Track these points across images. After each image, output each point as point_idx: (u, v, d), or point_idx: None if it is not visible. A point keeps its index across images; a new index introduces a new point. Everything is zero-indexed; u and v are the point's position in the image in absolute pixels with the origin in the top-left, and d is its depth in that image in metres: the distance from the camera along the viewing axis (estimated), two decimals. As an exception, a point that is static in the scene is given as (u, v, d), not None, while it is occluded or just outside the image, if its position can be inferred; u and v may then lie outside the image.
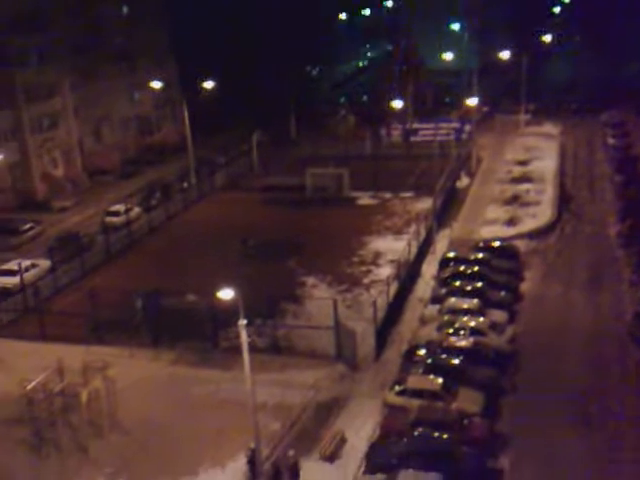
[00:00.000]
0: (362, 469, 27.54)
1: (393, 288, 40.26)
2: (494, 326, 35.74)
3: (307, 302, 40.95)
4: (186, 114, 66.44)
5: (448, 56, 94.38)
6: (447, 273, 42.14)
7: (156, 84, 75.40)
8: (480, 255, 44.01)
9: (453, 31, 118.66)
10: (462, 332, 34.82)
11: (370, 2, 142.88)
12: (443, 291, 39.94)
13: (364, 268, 46.68)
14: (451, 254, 45.08)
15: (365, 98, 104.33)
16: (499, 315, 37.26)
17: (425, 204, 55.38)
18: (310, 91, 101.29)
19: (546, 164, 68.63)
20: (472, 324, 35.28)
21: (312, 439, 29.23)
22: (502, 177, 65.77)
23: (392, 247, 49.15)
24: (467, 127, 78.35)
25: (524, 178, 64.79)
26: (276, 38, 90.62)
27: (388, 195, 61.63)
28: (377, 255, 48.69)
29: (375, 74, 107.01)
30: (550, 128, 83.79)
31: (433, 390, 30.09)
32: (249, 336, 24.73)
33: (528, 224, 53.01)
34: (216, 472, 27.73)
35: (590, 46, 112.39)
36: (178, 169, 70.62)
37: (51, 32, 67.21)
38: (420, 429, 27.79)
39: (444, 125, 79.65)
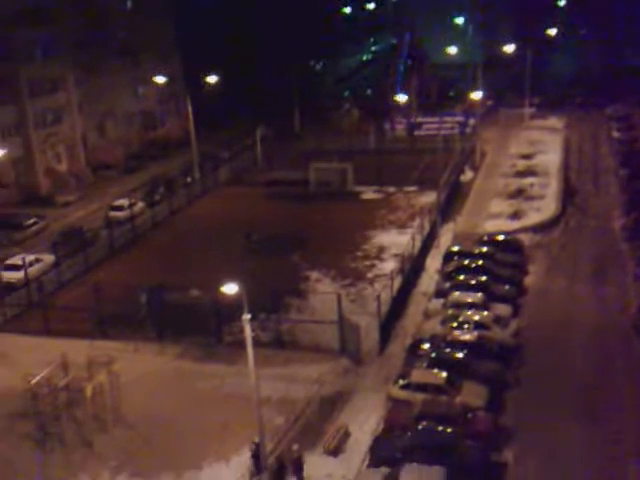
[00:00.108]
0: (366, 463, 27.56)
1: (397, 282, 40.24)
2: (498, 320, 35.69)
3: (311, 296, 40.92)
4: (190, 109, 66.38)
5: (452, 50, 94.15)
6: (451, 267, 42.11)
7: (160, 79, 75.36)
8: (484, 249, 43.93)
9: (457, 25, 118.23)
10: (466, 326, 34.78)
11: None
12: (447, 285, 39.89)
13: (368, 262, 46.65)
14: (455, 248, 45.01)
15: (369, 92, 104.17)
16: (503, 309, 37.21)
17: (429, 198, 55.28)
18: (314, 85, 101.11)
19: (550, 158, 68.46)
20: (476, 318, 35.23)
21: (316, 433, 29.25)
22: (506, 171, 65.63)
23: (396, 241, 49.10)
24: (471, 121, 78.18)
25: (528, 172, 64.66)
26: (280, 32, 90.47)
27: (392, 189, 61.54)
28: (381, 249, 48.64)
29: (379, 68, 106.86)
30: (555, 122, 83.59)
31: (437, 384, 30.07)
32: (253, 330, 24.74)
33: (532, 218, 52.91)
34: (220, 466, 27.78)
35: (595, 39, 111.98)
36: (182, 164, 70.60)
37: (55, 26, 67.15)
38: (424, 423, 27.79)
39: (448, 119, 79.67)
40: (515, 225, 51.56)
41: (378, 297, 36.32)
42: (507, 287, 40.02)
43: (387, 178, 61.75)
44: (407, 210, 56.44)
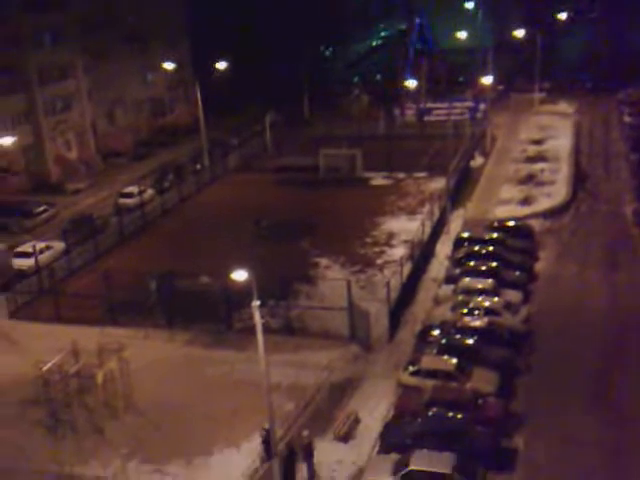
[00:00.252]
0: (376, 449, 27.58)
1: (407, 268, 40.13)
2: (509, 306, 35.58)
3: (320, 283, 40.91)
4: (199, 95, 66.18)
5: (462, 34, 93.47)
6: (461, 253, 41.97)
7: (169, 65, 75.18)
8: (494, 235, 43.76)
9: (467, 9, 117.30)
10: (476, 312, 34.69)
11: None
12: (457, 271, 39.77)
13: (377, 249, 46.56)
14: (465, 234, 44.84)
15: (379, 77, 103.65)
16: (514, 295, 37.09)
17: (439, 184, 55.05)
18: (323, 71, 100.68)
19: (561, 143, 68.06)
20: (486, 304, 35.15)
21: (326, 419, 29.29)
22: (517, 156, 65.29)
23: (406, 227, 48.97)
24: (481, 106, 77.70)
25: (539, 157, 64.31)
26: (289, 18, 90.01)
27: (402, 175, 61.33)
28: (390, 236, 48.53)
29: (389, 53, 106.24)
30: (565, 106, 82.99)
31: (447, 370, 30.04)
32: (263, 317, 24.70)
33: (543, 203, 52.65)
34: (231, 452, 27.87)
35: (606, 23, 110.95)
36: (191, 151, 70.55)
37: (64, 12, 67.02)
38: (434, 409, 27.78)
39: (458, 104, 79.16)
40: (525, 211, 51.33)
41: (388, 283, 36.24)
42: (517, 273, 39.88)
43: (397, 164, 61.51)
44: (417, 196, 56.25)
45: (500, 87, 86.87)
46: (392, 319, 35.64)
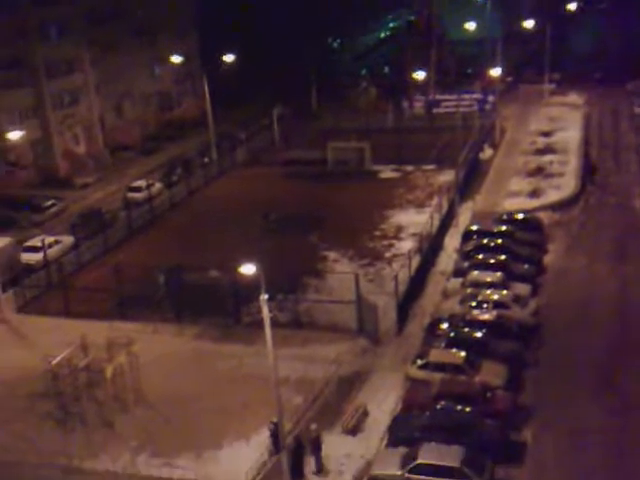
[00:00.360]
0: (384, 442, 27.58)
1: (415, 262, 40.08)
2: (517, 299, 35.49)
3: (329, 276, 40.91)
4: (206, 88, 66.11)
5: (471, 26, 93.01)
6: (470, 246, 41.86)
7: (176, 58, 75.10)
8: (503, 228, 43.62)
9: (476, 0, 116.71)
10: (485, 305, 34.65)
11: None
12: (466, 264, 39.67)
13: (386, 242, 46.49)
14: (474, 227, 44.70)
15: (387, 70, 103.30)
16: (522, 288, 36.98)
17: (448, 176, 54.90)
18: (331, 63, 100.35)
19: (570, 135, 67.72)
20: (495, 297, 35.08)
21: (334, 413, 29.31)
22: (526, 148, 65.02)
23: (414, 220, 48.87)
24: (490, 98, 77.31)
25: (548, 149, 64.02)
26: (297, 10, 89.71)
27: (410, 168, 61.17)
28: (399, 229, 48.44)
29: (397, 45, 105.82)
30: (575, 98, 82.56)
31: (456, 363, 29.99)
32: (271, 311, 24.68)
33: (552, 196, 52.43)
34: (240, 445, 27.94)
35: (615, 14, 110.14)
36: (199, 144, 70.51)
37: (71, 5, 66.99)
38: (443, 402, 27.76)
39: (467, 96, 78.77)
40: (534, 203, 51.14)
41: (396, 277, 36.22)
42: (526, 266, 39.75)
43: (405, 157, 61.34)
44: (425, 189, 56.11)
45: (509, 78, 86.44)
46: (400, 312, 35.61)
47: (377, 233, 48.00)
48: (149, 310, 37.96)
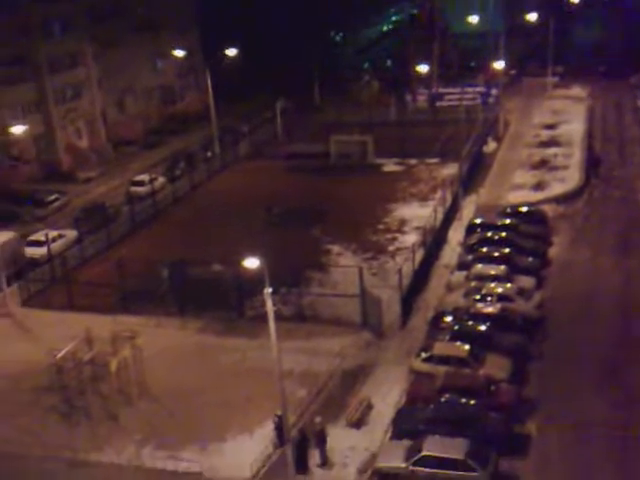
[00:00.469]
0: (389, 435, 27.59)
1: (419, 255, 40.05)
2: (521, 292, 35.44)
3: (332, 270, 40.84)
4: (209, 82, 66.03)
5: (474, 19, 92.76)
6: (474, 239, 41.80)
7: (179, 52, 75.01)
8: (507, 221, 43.57)
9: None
10: (489, 298, 34.59)
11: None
12: (470, 257, 39.63)
13: (389, 235, 46.44)
14: (478, 220, 44.64)
15: (389, 63, 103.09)
16: (527, 281, 36.92)
17: (451, 170, 54.81)
18: (334, 57, 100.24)
19: (574, 127, 67.58)
20: (499, 290, 35.03)
21: (339, 406, 29.33)
22: (530, 141, 64.90)
23: (418, 214, 48.80)
24: (494, 91, 77.06)
25: (552, 142, 63.91)
26: (299, 4, 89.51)
27: (414, 161, 61.08)
28: (402, 222, 48.38)
29: (400, 38, 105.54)
30: (578, 91, 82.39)
31: (460, 357, 29.97)
32: (274, 304, 24.66)
33: (556, 189, 52.34)
34: (244, 438, 27.96)
35: (620, 7, 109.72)
36: (202, 138, 70.46)
37: (73, 1, 66.91)
38: (447, 395, 27.75)
39: (470, 89, 78.63)
40: (539, 196, 51.05)
41: (400, 270, 36.16)
42: (530, 259, 39.70)
43: (408, 150, 61.22)
44: (429, 182, 56.03)
45: (512, 72, 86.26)
46: (404, 306, 35.58)
47: (380, 226, 47.94)
48: (152, 304, 37.97)
